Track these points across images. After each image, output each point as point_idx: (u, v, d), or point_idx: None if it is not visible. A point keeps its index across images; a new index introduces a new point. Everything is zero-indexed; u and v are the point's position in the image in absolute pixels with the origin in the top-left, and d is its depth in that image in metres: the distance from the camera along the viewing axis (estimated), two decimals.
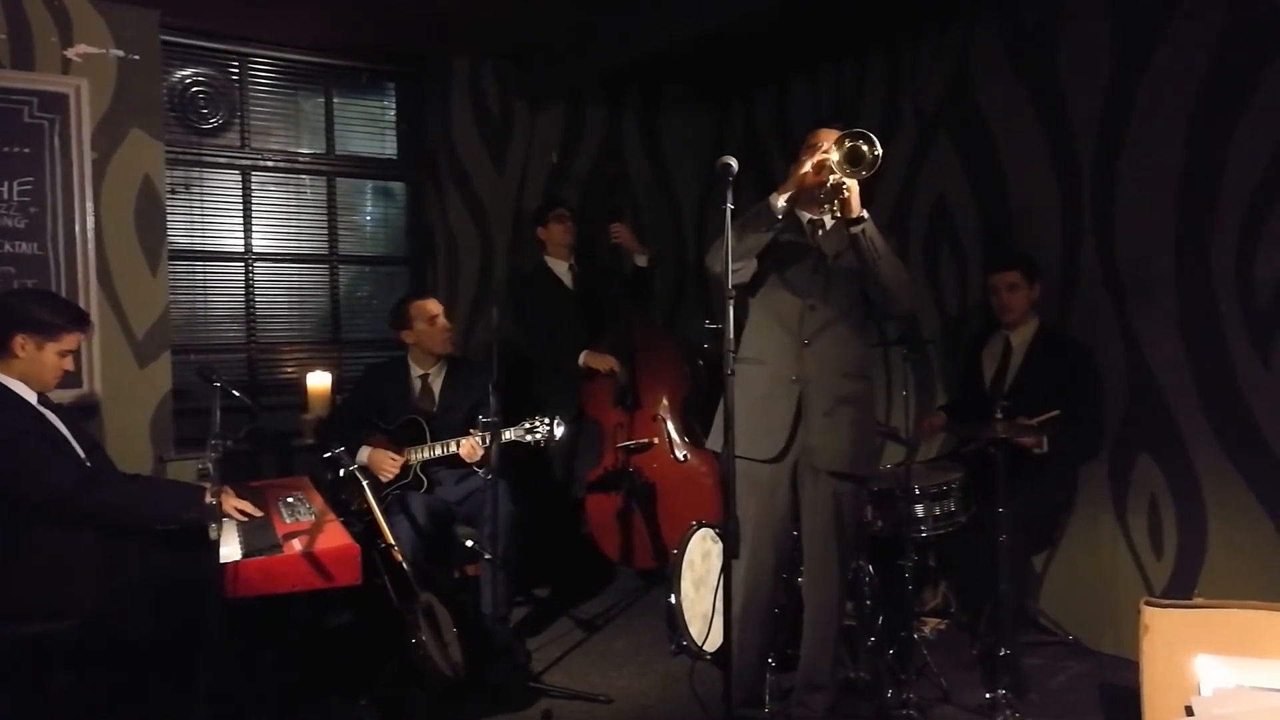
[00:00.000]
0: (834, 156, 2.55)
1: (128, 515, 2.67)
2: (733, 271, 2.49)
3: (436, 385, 3.88)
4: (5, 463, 2.55)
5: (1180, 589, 3.29)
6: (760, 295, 2.85)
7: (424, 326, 3.79)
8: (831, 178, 2.58)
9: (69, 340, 2.73)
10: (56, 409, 2.82)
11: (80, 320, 2.80)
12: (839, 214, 2.66)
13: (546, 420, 3.46)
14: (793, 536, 2.95)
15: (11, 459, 2.55)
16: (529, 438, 3.46)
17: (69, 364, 2.77)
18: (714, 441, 2.97)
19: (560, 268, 4.43)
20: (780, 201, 2.64)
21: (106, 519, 2.63)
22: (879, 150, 2.51)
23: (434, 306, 3.81)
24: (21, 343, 2.66)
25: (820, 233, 2.83)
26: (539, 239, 4.46)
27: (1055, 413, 3.23)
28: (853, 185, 2.60)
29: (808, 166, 2.62)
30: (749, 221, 2.66)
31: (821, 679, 2.90)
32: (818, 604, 2.89)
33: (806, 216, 2.83)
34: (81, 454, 2.78)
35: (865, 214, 2.65)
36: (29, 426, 2.64)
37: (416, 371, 3.88)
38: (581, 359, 4.22)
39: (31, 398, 2.73)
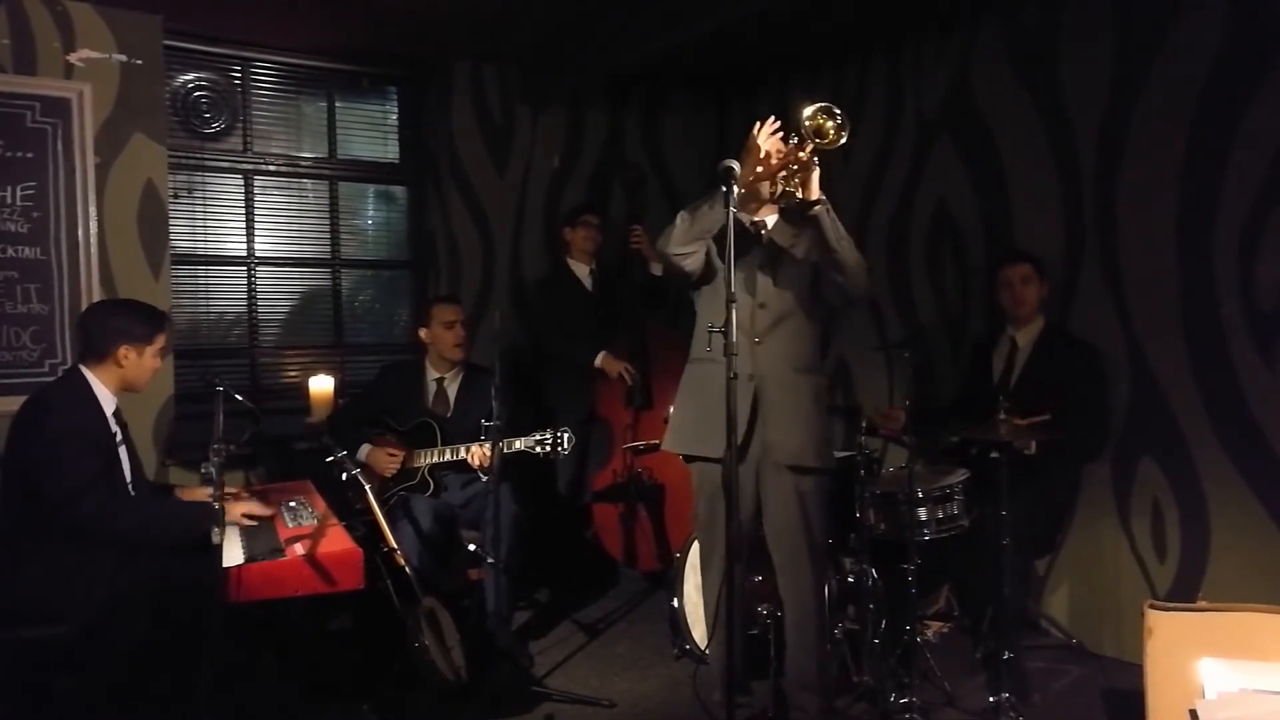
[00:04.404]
0: (804, 115, 2.53)
1: (137, 539, 2.66)
2: (684, 256, 2.67)
3: (452, 390, 3.88)
4: (51, 458, 2.58)
5: (1184, 592, 3.29)
6: (709, 294, 2.87)
7: (438, 330, 3.81)
8: (801, 153, 2.57)
9: (161, 339, 2.90)
10: (124, 428, 2.89)
11: (163, 319, 2.95)
12: (799, 195, 2.65)
13: (556, 433, 3.44)
14: (760, 536, 2.94)
15: (59, 457, 2.59)
16: (538, 449, 3.45)
17: (159, 361, 2.93)
18: (670, 443, 2.97)
19: (582, 270, 4.47)
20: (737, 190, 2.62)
21: (112, 537, 2.63)
22: (840, 119, 2.51)
23: (451, 313, 3.82)
24: (125, 353, 2.80)
25: (763, 232, 2.85)
26: (565, 240, 4.51)
27: (1045, 417, 3.22)
28: (815, 165, 2.60)
29: (766, 143, 2.61)
30: (701, 207, 2.66)
31: (809, 680, 2.87)
32: (795, 604, 2.86)
33: (748, 219, 2.84)
34: (128, 476, 2.83)
35: (822, 195, 2.66)
36: (93, 430, 2.70)
37: (432, 375, 3.89)
38: (599, 360, 4.23)
39: (109, 407, 2.80)
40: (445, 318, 3.81)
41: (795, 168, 2.61)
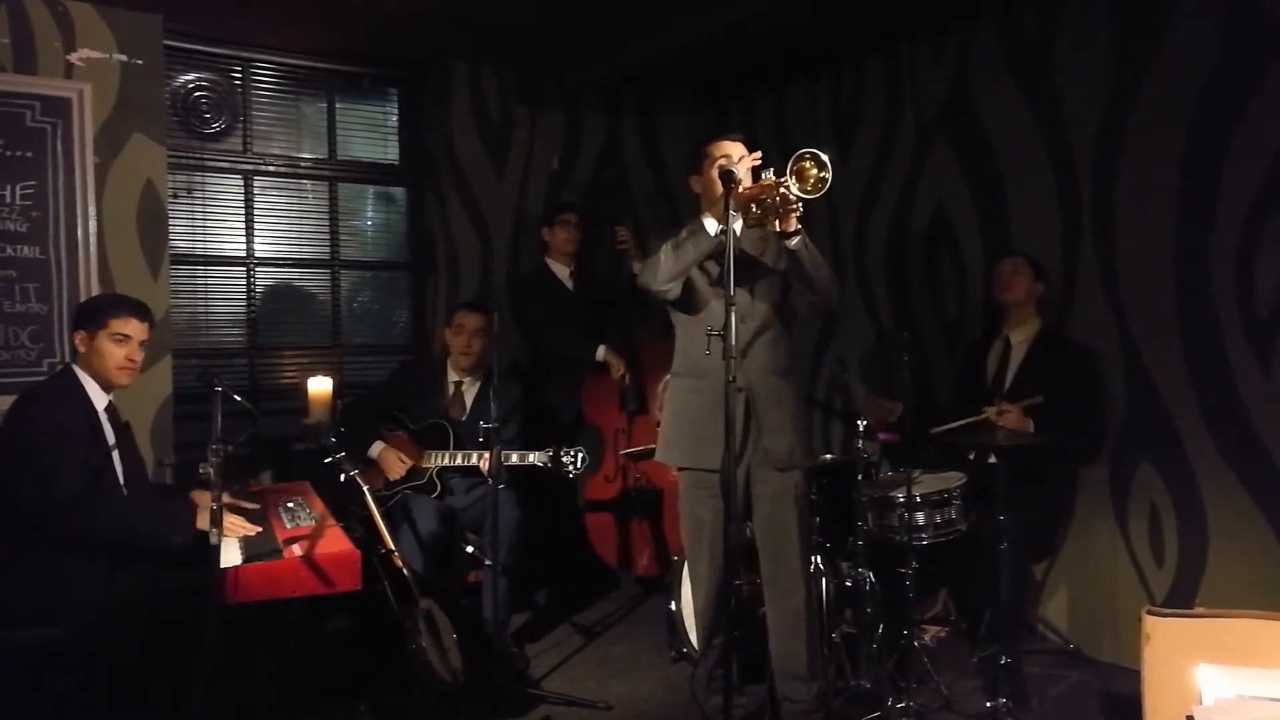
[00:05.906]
0: (793, 186, 2.47)
1: (115, 540, 2.62)
2: (667, 291, 2.73)
3: (470, 395, 3.88)
4: (29, 453, 2.57)
5: (1181, 598, 3.29)
6: (689, 311, 2.89)
7: (454, 335, 3.83)
8: (780, 192, 2.51)
9: (116, 324, 2.77)
10: (119, 427, 2.85)
11: (125, 305, 2.82)
12: (777, 229, 2.64)
13: (572, 453, 3.43)
14: (746, 538, 2.97)
15: (38, 451, 2.57)
16: (550, 464, 3.45)
17: (131, 351, 2.79)
18: (665, 455, 2.98)
19: (562, 271, 4.46)
20: (715, 225, 2.66)
21: (95, 539, 2.60)
22: (828, 173, 2.44)
23: (471, 321, 3.81)
24: (81, 339, 2.77)
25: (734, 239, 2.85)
26: (543, 240, 4.50)
27: (1039, 399, 3.26)
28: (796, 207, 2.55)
29: (747, 181, 2.59)
30: (684, 243, 2.69)
31: (798, 668, 2.86)
32: (783, 600, 2.87)
33: (717, 229, 2.83)
34: (120, 478, 2.79)
35: (799, 226, 2.64)
36: (74, 429, 2.66)
37: (452, 377, 3.90)
38: (600, 353, 4.23)
39: (100, 403, 2.77)
40: (457, 323, 3.83)
41: (769, 202, 2.56)
